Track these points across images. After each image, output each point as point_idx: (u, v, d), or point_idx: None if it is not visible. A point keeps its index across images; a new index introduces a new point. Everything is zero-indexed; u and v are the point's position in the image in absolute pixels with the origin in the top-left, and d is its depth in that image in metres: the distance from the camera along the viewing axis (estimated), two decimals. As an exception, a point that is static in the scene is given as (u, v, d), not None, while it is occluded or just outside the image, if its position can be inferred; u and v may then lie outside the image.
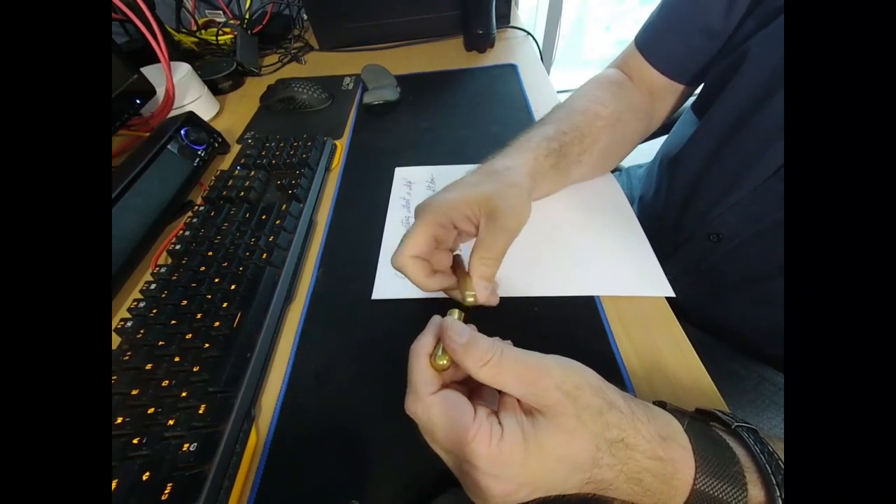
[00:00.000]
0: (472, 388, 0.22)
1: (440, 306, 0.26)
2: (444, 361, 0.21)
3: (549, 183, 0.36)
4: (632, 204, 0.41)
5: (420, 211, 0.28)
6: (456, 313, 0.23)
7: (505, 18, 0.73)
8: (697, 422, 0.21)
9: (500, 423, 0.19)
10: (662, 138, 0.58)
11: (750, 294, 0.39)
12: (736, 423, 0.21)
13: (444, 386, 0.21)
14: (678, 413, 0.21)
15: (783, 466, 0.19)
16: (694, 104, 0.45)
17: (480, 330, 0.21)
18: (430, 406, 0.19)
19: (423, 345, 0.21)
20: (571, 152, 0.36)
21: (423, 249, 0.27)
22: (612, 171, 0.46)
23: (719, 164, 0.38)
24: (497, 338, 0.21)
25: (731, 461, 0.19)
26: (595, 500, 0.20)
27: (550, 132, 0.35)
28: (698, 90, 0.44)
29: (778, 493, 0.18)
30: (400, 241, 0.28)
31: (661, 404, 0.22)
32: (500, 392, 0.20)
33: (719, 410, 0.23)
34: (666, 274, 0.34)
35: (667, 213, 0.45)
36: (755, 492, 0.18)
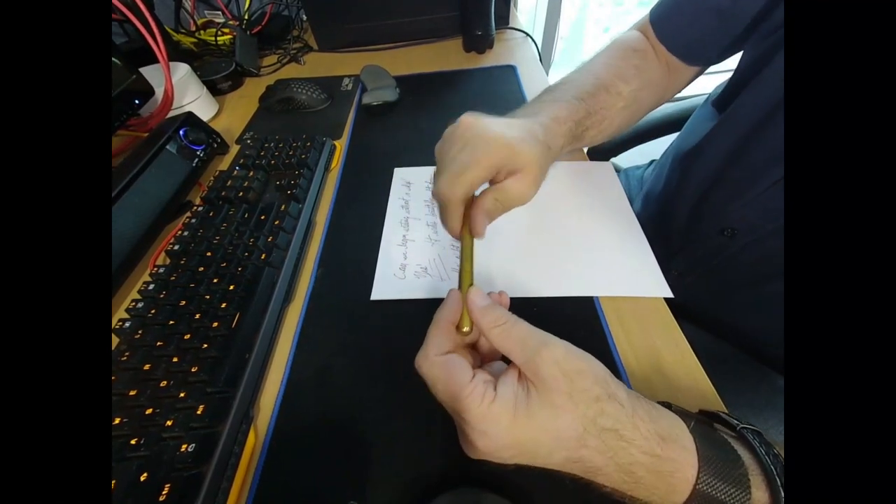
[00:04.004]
0: (484, 359, 0.25)
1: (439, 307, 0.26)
2: (468, 328, 0.23)
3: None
4: (630, 204, 0.41)
5: (483, 141, 0.27)
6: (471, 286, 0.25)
7: (504, 19, 0.72)
8: (702, 424, 0.21)
9: (495, 388, 0.20)
10: (667, 138, 0.58)
11: (757, 293, 0.39)
12: (741, 426, 0.21)
13: (452, 352, 0.23)
14: (683, 414, 0.21)
15: None
16: (715, 100, 0.45)
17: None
18: (434, 364, 0.22)
19: (445, 313, 0.24)
20: (587, 135, 0.37)
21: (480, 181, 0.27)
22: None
23: (741, 159, 0.37)
24: None
25: (735, 463, 0.19)
26: (585, 482, 0.20)
27: (581, 113, 0.35)
28: (719, 87, 0.43)
29: (782, 496, 0.18)
30: (449, 165, 0.27)
31: (666, 405, 0.22)
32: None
33: (723, 412, 0.23)
34: (672, 270, 0.34)
35: (677, 208, 0.45)
36: (759, 494, 0.18)
